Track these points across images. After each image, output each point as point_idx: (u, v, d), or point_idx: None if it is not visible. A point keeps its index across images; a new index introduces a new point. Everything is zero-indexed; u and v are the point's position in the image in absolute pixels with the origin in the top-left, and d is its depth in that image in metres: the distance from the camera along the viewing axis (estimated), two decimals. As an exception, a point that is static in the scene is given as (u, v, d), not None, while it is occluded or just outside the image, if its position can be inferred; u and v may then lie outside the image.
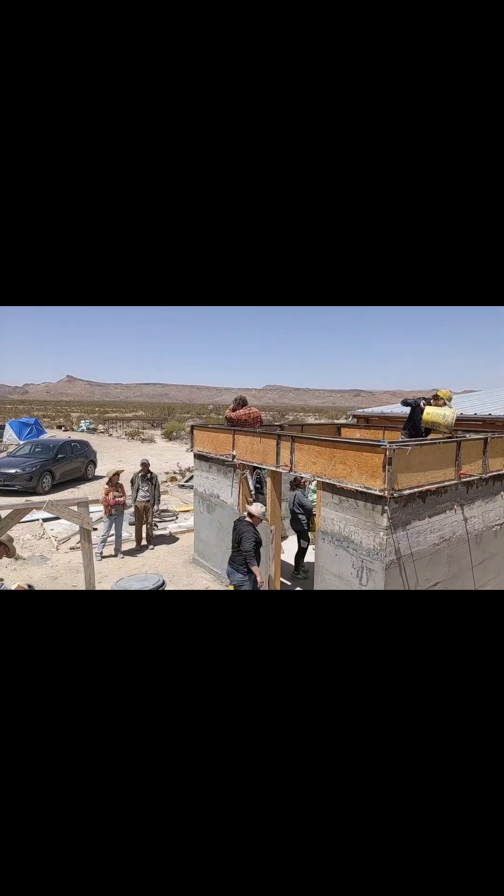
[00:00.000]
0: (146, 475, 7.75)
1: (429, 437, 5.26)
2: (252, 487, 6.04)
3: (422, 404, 5.39)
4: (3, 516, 3.28)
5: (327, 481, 4.39)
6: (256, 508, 4.80)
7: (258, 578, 4.61)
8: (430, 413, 5.17)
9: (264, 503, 6.14)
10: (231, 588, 4.82)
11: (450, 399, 5.49)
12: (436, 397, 5.48)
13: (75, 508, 3.19)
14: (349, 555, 4.25)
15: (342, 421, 11.66)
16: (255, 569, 4.60)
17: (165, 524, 9.13)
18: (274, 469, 5.21)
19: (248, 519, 4.76)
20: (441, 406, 5.34)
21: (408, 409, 5.58)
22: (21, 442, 18.25)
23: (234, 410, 6.34)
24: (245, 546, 4.56)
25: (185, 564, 7.08)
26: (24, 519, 8.99)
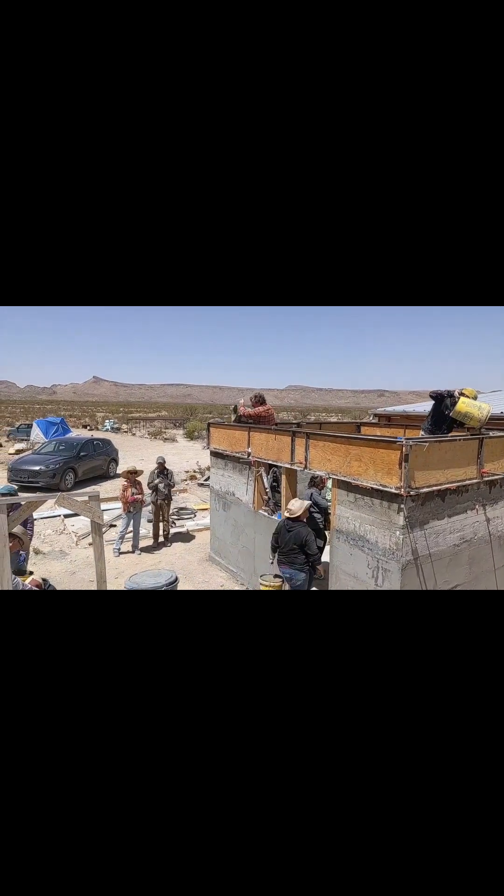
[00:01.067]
0: (162, 472, 7.78)
1: (450, 433, 5.07)
2: (268, 486, 5.98)
3: (455, 394, 5.14)
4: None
5: (342, 479, 4.30)
6: (299, 505, 4.70)
7: (320, 573, 4.64)
8: (466, 403, 4.88)
9: (279, 501, 6.07)
10: (275, 587, 4.78)
11: (475, 398, 5.27)
12: (462, 394, 5.27)
13: (87, 500, 3.20)
14: (364, 554, 4.14)
15: (360, 420, 11.47)
16: (320, 568, 4.60)
17: (183, 522, 9.16)
18: (289, 466, 5.13)
19: (297, 517, 4.63)
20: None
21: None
22: (47, 440, 18.70)
23: (253, 407, 6.31)
24: (312, 548, 4.52)
25: (201, 562, 7.07)
26: (45, 515, 9.19)
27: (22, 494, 3.40)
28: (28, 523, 5.07)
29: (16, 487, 4.68)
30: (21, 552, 4.11)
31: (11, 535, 3.25)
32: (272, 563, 4.89)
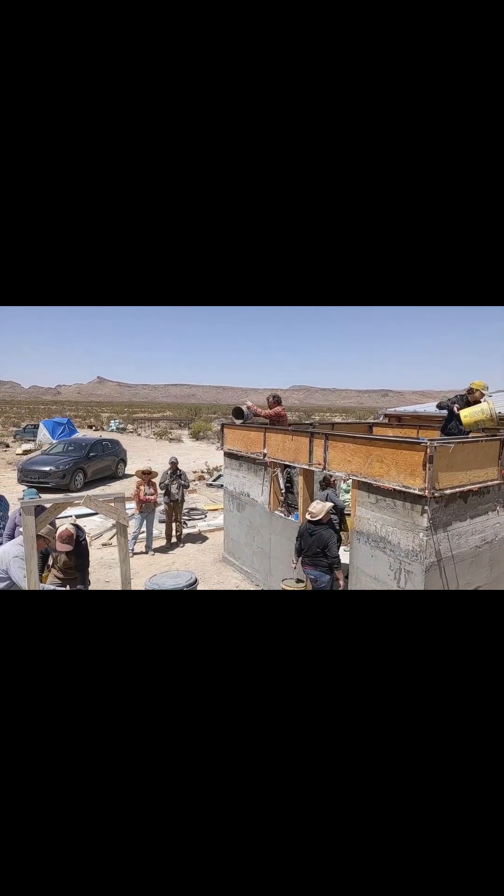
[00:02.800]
0: (175, 472, 7.79)
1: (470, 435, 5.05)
2: (282, 486, 5.97)
3: (455, 409, 5.13)
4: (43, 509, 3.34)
5: (363, 480, 4.28)
6: (320, 507, 4.64)
7: (340, 583, 4.59)
8: (468, 414, 4.92)
9: (294, 502, 6.06)
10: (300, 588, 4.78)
11: (486, 388, 5.23)
12: (470, 391, 5.25)
13: (112, 504, 3.20)
14: (386, 556, 4.13)
15: (370, 420, 11.44)
16: (338, 573, 4.56)
17: (195, 522, 9.16)
18: (306, 467, 5.12)
19: (319, 520, 4.58)
20: (477, 399, 5.08)
21: (444, 412, 5.39)
22: (54, 441, 18.75)
23: (270, 406, 6.32)
24: (333, 551, 4.51)
25: (215, 563, 7.07)
26: (58, 515, 9.22)
27: (45, 496, 3.41)
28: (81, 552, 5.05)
29: (39, 494, 4.70)
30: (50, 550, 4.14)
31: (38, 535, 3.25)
32: (294, 566, 4.86)
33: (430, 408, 9.15)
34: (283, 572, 5.61)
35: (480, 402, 5.07)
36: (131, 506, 7.76)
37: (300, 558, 4.74)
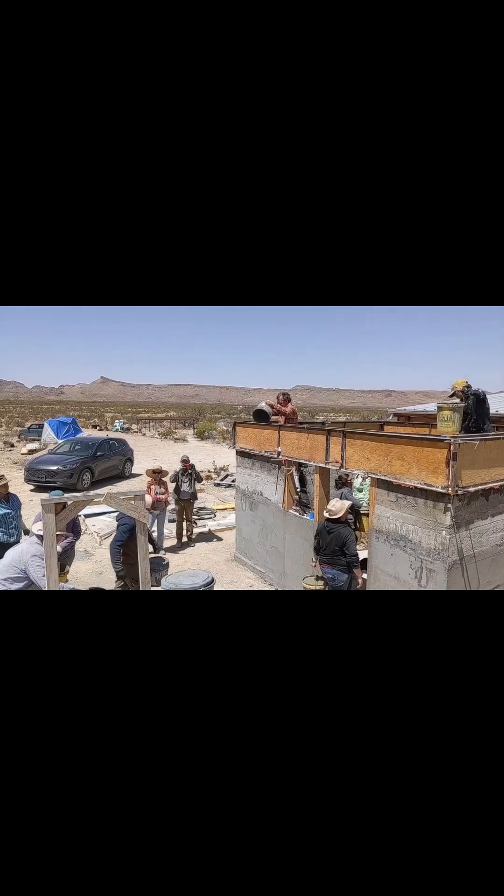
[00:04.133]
0: (186, 471, 7.75)
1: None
2: (297, 485, 5.93)
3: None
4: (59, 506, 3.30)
5: (382, 478, 4.23)
6: (340, 505, 4.58)
7: (359, 583, 4.55)
8: (441, 423, 4.68)
9: (307, 501, 6.01)
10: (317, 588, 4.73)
11: (465, 386, 4.98)
12: (452, 396, 5.07)
13: (132, 501, 3.17)
14: (407, 555, 4.07)
15: (380, 420, 11.38)
16: (357, 571, 4.51)
17: (205, 522, 9.12)
18: (323, 466, 5.07)
19: (338, 518, 4.53)
20: (445, 409, 4.69)
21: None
22: (59, 440, 18.75)
23: (284, 405, 6.29)
24: (352, 549, 4.45)
25: (227, 562, 7.03)
26: (78, 513, 9.20)
27: (67, 494, 3.37)
28: (74, 526, 5.08)
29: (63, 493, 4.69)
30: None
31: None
32: (314, 564, 4.82)
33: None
34: (297, 571, 5.56)
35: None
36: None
37: (318, 557, 4.70)
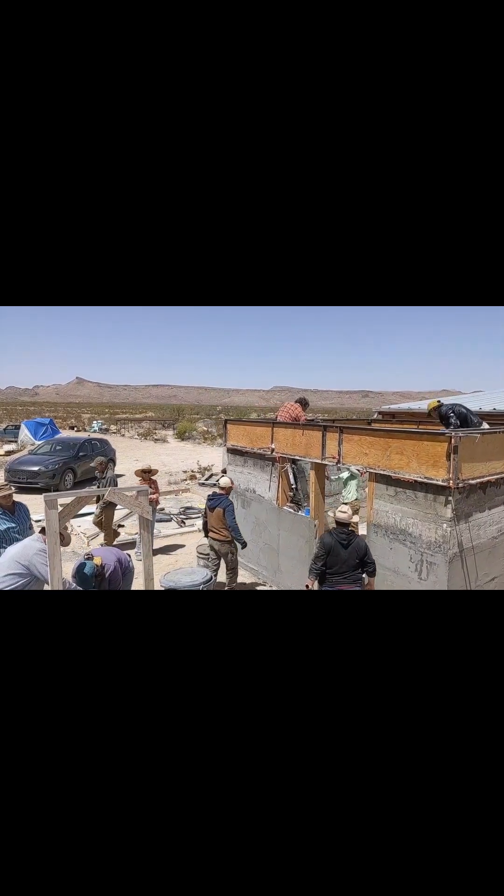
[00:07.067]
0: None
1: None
2: (292, 481, 5.92)
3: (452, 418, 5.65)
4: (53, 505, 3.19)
5: (381, 472, 4.26)
6: (349, 511, 4.02)
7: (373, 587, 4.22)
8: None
9: (301, 497, 6.01)
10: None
11: (436, 408, 5.85)
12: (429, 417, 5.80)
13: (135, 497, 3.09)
14: (406, 548, 4.11)
15: (367, 418, 11.54)
16: (373, 580, 4.07)
17: (193, 521, 9.03)
18: (319, 462, 5.07)
19: (346, 526, 3.97)
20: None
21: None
22: (37, 441, 18.29)
23: (303, 410, 6.31)
24: (371, 556, 3.98)
25: (219, 561, 6.96)
26: (80, 510, 8.95)
27: (70, 490, 3.27)
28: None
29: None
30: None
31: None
32: (308, 586, 4.04)
33: (424, 404, 9.24)
34: (291, 568, 5.55)
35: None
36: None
37: (330, 577, 3.95)
